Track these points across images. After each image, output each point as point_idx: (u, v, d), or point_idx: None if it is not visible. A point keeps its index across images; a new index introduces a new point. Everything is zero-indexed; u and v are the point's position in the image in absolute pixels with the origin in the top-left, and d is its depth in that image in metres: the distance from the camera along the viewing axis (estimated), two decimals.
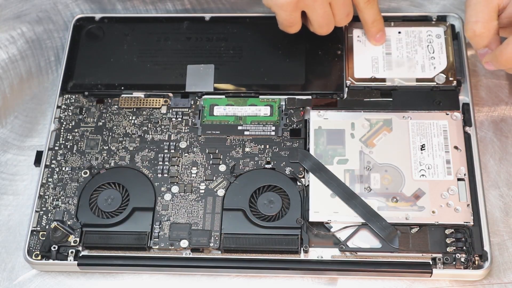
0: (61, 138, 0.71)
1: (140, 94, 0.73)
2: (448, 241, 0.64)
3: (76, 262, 0.65)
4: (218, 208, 0.67)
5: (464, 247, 0.63)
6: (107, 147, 0.71)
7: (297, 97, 0.72)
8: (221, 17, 0.79)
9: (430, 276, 0.63)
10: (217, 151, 0.70)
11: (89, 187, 0.68)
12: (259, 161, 0.69)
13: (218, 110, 0.72)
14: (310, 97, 0.72)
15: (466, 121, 0.70)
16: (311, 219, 0.65)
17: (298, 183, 0.67)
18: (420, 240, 0.64)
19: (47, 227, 0.67)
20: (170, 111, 0.72)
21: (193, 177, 0.69)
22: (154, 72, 0.74)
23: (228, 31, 0.76)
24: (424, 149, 0.68)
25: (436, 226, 0.64)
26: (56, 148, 0.71)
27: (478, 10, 0.64)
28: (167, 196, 0.68)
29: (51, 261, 0.66)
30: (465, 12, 0.65)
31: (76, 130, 0.72)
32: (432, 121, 0.69)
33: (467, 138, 0.69)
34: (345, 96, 0.72)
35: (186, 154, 0.70)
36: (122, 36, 0.76)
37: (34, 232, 0.67)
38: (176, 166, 0.69)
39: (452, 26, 0.75)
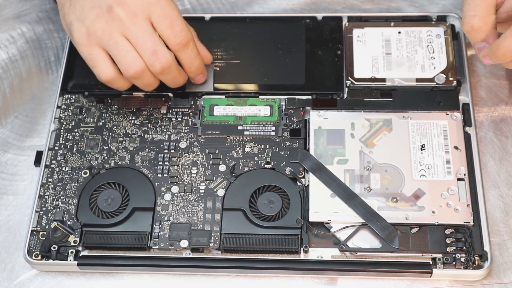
0: (61, 138, 0.71)
1: (140, 94, 0.73)
2: (448, 241, 0.64)
3: (76, 262, 0.65)
4: (218, 208, 0.67)
5: (464, 247, 0.63)
6: (107, 147, 0.71)
7: (297, 97, 0.72)
8: (221, 17, 0.79)
9: (430, 276, 0.63)
10: (217, 151, 0.70)
11: (89, 187, 0.68)
12: (259, 161, 0.69)
13: (218, 110, 0.72)
14: (310, 97, 0.72)
15: (466, 121, 0.70)
16: (311, 219, 0.65)
17: (298, 183, 0.67)
18: (420, 240, 0.64)
19: (47, 227, 0.67)
20: (170, 111, 0.72)
21: (193, 177, 0.69)
22: None
23: (228, 31, 0.76)
24: (424, 149, 0.68)
25: (436, 226, 0.64)
26: (56, 148, 0.71)
27: (476, 4, 0.64)
28: (167, 196, 0.68)
29: (51, 261, 0.66)
30: (463, 6, 0.65)
31: (76, 130, 0.72)
32: (432, 121, 0.69)
33: (467, 138, 0.69)
34: (345, 96, 0.72)
35: (186, 154, 0.70)
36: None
37: (34, 232, 0.67)
38: (176, 166, 0.69)
39: (452, 26, 0.75)
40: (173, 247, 0.65)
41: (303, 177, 0.68)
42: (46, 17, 0.81)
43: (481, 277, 0.64)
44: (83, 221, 0.67)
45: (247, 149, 0.70)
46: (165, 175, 0.69)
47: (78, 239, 0.66)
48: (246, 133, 0.70)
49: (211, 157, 0.69)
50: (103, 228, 0.66)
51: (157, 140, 0.71)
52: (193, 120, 0.72)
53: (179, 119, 0.72)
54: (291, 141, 0.70)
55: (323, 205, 0.66)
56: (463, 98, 0.71)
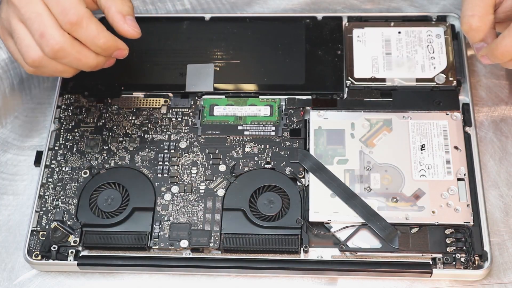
0: (61, 138, 0.71)
1: (140, 94, 0.73)
2: (448, 241, 0.64)
3: (76, 262, 0.65)
4: (218, 208, 0.67)
5: (464, 247, 0.63)
6: (107, 147, 0.71)
7: (297, 97, 0.72)
8: (221, 17, 0.79)
9: (430, 276, 0.63)
10: (217, 151, 0.70)
11: (89, 187, 0.68)
12: (259, 161, 0.69)
13: (218, 110, 0.72)
14: (310, 97, 0.72)
15: (466, 121, 0.70)
16: (311, 219, 0.65)
17: (298, 183, 0.67)
18: (420, 240, 0.64)
19: (47, 227, 0.67)
20: (170, 111, 0.72)
21: (193, 177, 0.69)
22: (154, 72, 0.74)
23: (228, 31, 0.76)
24: (424, 149, 0.68)
25: (436, 226, 0.64)
26: (56, 148, 0.71)
27: (475, 3, 0.64)
28: (167, 196, 0.68)
29: (51, 261, 0.66)
30: (462, 5, 0.65)
31: (76, 130, 0.72)
32: (432, 121, 0.69)
33: (467, 138, 0.69)
34: (345, 96, 0.72)
35: (186, 154, 0.70)
36: (122, 36, 0.76)
37: (34, 232, 0.67)
38: (176, 166, 0.69)
39: (452, 26, 0.75)
40: (173, 247, 0.65)
41: (303, 177, 0.68)
42: None
43: (481, 277, 0.64)
44: (83, 221, 0.67)
45: (247, 149, 0.70)
46: (165, 175, 0.69)
47: (78, 239, 0.66)
48: (246, 133, 0.70)
49: (211, 157, 0.69)
50: (103, 228, 0.66)
51: (157, 140, 0.71)
52: (193, 120, 0.72)
53: (179, 119, 0.72)
54: (291, 141, 0.70)
55: (323, 205, 0.66)
56: (463, 98, 0.71)
